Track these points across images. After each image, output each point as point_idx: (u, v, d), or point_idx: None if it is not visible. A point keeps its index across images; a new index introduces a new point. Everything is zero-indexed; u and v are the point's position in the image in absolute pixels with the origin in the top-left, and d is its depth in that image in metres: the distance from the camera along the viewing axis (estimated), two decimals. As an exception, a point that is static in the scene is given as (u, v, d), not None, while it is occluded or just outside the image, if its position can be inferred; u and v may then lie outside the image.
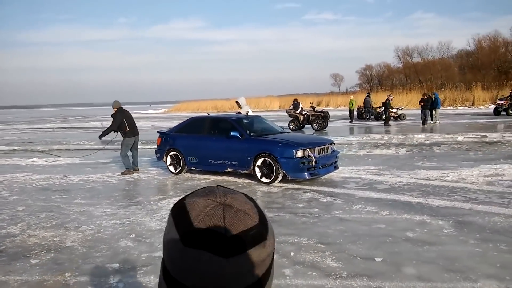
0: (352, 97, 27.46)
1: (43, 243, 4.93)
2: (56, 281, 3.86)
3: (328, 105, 50.21)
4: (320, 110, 20.45)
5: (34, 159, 12.48)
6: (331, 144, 8.36)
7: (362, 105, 25.87)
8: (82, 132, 24.49)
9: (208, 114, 10.18)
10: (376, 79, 69.88)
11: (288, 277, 3.78)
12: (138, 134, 9.83)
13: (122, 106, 9.68)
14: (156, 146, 9.87)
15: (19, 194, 7.70)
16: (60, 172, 9.90)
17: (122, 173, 9.39)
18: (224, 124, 8.75)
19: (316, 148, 7.84)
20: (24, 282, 3.87)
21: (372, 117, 25.07)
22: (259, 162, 7.83)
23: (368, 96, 26.49)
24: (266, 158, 7.74)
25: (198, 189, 0.71)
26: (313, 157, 7.61)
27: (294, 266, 4.03)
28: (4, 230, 5.45)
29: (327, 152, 8.11)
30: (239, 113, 10.37)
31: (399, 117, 23.95)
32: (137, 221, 5.71)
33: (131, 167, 9.46)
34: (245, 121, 8.82)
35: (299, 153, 7.57)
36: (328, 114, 19.79)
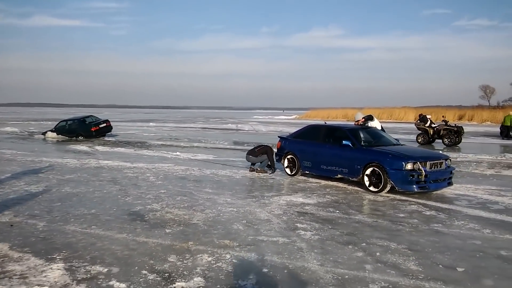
0: (511, 113, 24.33)
1: (176, 218, 6.18)
2: (181, 247, 4.95)
3: (471, 120, 46.10)
4: (454, 125, 19.31)
5: (177, 153, 14.63)
6: (446, 159, 8.26)
7: None
8: (219, 133, 27.13)
9: (325, 123, 10.77)
10: (537, 93, 61.01)
11: (367, 271, 4.24)
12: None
13: None
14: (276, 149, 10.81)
15: (163, 180, 9.38)
16: (196, 166, 11.55)
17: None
18: (338, 132, 9.26)
19: (428, 162, 7.86)
20: (158, 244, 5.06)
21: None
22: (368, 171, 8.17)
23: None
24: (375, 168, 8.04)
25: None
26: (423, 171, 7.67)
27: (376, 263, 4.46)
28: (149, 206, 6.92)
29: (440, 167, 8.05)
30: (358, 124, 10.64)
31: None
32: (250, 211, 6.66)
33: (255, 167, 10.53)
34: (359, 131, 9.19)
35: (409, 166, 7.71)
36: (462, 129, 18.56)
